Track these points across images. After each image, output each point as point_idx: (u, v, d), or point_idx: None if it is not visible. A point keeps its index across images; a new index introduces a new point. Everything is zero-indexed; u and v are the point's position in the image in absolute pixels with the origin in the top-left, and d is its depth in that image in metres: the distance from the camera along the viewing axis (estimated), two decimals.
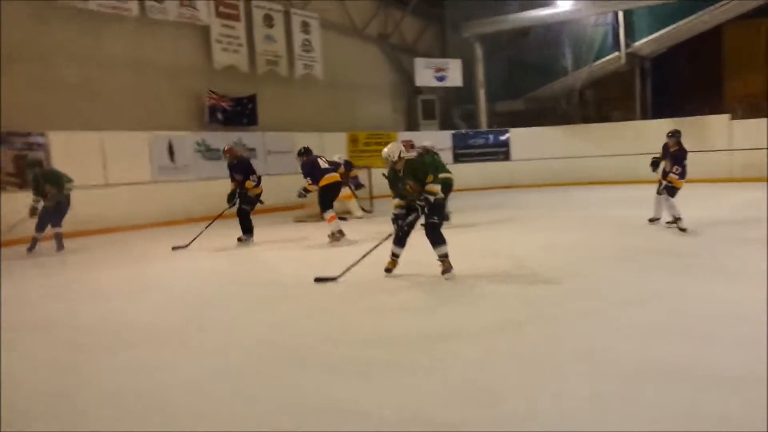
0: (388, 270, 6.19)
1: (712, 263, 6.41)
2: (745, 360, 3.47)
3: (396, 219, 6.12)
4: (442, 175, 8.12)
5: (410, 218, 6.06)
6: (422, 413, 3.03)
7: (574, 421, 2.85)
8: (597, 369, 3.48)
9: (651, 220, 9.06)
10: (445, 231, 6.14)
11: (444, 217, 6.98)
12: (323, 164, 9.19)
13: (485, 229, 10.02)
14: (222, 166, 13.56)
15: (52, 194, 9.02)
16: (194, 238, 9.01)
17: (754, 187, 13.72)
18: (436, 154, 10.28)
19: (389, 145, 6.08)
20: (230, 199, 9.24)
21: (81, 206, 10.81)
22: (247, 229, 9.28)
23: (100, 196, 11.62)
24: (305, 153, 9.33)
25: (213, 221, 9.42)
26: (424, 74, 19.50)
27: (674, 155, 8.54)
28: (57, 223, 9.27)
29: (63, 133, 11.26)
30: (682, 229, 8.24)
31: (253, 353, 4.09)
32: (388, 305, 5.24)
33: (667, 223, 8.61)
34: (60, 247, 9.26)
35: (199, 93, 13.92)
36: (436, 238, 6.01)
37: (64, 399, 3.44)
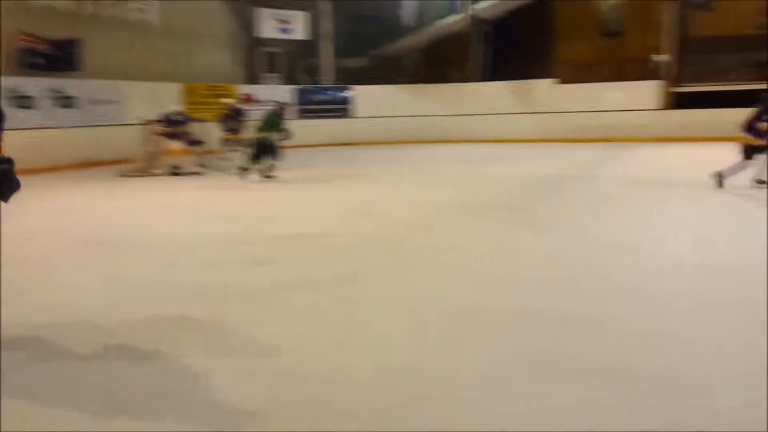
0: None
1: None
2: None
3: None
4: None
5: None
6: None
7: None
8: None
9: None
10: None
11: None
12: None
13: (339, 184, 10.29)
14: (36, 115, 12.61)
15: None
16: None
17: (585, 147, 15.79)
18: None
19: None
20: None
21: None
22: None
23: None
24: None
25: None
26: (267, 25, 18.95)
27: None
28: None
29: None
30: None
31: None
32: None
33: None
34: None
35: (9, 35, 12.62)
36: None
37: None
